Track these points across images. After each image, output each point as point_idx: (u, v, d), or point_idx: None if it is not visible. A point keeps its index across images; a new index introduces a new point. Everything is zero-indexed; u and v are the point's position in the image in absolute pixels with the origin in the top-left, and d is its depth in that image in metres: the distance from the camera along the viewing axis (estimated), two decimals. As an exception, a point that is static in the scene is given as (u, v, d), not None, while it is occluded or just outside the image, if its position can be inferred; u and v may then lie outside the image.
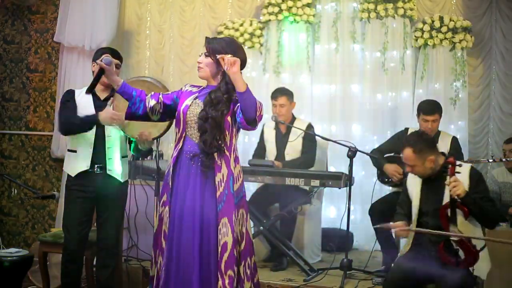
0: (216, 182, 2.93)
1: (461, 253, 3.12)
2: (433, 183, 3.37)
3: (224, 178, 2.93)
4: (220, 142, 2.93)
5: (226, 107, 2.94)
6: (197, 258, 2.90)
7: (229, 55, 2.85)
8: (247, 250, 2.99)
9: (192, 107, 3.00)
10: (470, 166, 3.33)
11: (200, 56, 3.03)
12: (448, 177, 3.16)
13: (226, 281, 2.85)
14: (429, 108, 4.40)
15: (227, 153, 2.96)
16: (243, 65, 2.98)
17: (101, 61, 3.06)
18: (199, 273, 2.89)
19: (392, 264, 3.49)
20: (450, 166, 3.16)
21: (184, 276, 2.91)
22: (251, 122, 2.86)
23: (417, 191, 3.43)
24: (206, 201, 2.94)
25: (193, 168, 2.97)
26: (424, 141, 3.38)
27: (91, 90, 3.20)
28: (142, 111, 3.06)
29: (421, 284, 3.29)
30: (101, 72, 3.08)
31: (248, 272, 2.99)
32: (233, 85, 2.88)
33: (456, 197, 3.14)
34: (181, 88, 3.15)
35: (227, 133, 2.95)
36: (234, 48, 2.97)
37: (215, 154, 2.93)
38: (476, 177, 3.29)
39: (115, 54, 3.69)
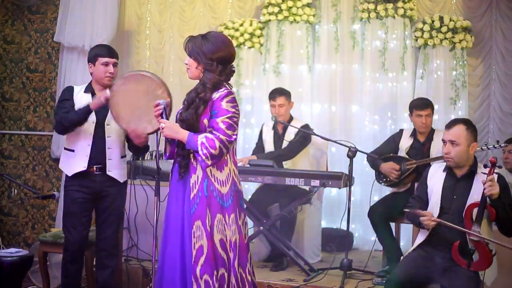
0: (191, 184, 2.87)
1: (475, 256, 3.08)
2: (458, 180, 3.28)
3: (199, 180, 2.86)
4: None
5: (201, 107, 2.86)
6: (178, 262, 2.86)
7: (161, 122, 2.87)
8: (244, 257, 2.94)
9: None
10: (498, 174, 3.21)
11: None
12: (484, 176, 3.06)
13: (202, 286, 2.77)
14: (422, 103, 4.50)
15: None
16: (229, 60, 2.93)
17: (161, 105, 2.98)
18: (180, 279, 2.85)
19: (401, 259, 3.43)
20: (490, 165, 3.08)
21: (170, 282, 2.88)
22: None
23: (439, 186, 3.31)
24: (185, 204, 2.89)
25: (177, 171, 2.95)
26: (474, 126, 3.32)
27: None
28: None
29: (425, 283, 3.22)
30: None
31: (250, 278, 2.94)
32: (211, 85, 2.85)
33: (488, 198, 3.04)
34: None
35: None
36: (213, 44, 2.87)
37: (191, 156, 2.88)
38: (502, 184, 3.16)
39: (111, 51, 3.67)
